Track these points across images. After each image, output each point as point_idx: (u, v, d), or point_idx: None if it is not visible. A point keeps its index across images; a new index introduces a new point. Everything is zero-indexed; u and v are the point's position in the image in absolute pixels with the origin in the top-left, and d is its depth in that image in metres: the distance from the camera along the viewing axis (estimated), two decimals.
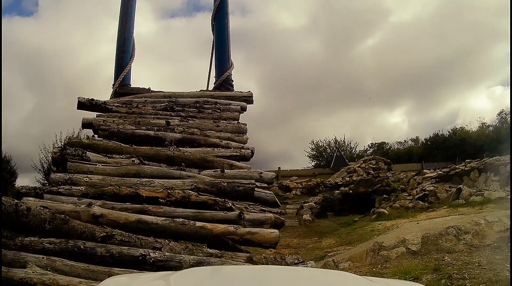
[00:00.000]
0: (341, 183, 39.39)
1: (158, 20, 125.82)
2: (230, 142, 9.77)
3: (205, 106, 10.71)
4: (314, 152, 67.00)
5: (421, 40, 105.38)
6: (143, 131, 9.40)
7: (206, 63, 12.46)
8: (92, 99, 10.33)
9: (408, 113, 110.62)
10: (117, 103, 10.52)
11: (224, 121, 10.28)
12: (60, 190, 7.69)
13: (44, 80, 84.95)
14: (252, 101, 11.40)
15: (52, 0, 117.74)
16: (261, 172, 9.08)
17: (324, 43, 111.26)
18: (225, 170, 8.72)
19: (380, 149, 69.00)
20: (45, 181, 33.06)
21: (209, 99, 10.99)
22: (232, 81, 11.85)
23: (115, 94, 11.18)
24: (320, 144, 66.84)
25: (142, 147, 8.95)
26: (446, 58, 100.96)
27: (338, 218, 30.45)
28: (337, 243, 21.49)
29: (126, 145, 8.92)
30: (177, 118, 10.12)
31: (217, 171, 8.69)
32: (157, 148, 9.02)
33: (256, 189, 8.46)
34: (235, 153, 9.44)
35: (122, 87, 11.26)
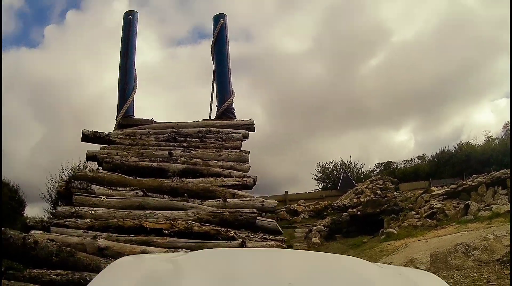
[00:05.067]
0: (348, 204, 39.23)
1: (164, 48, 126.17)
2: (233, 171, 9.89)
3: (207, 135, 10.84)
4: (320, 175, 66.63)
5: (423, 58, 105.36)
6: (146, 163, 9.54)
7: (208, 89, 12.59)
8: (96, 132, 10.49)
9: (414, 131, 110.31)
10: (121, 135, 10.67)
11: (226, 150, 10.40)
12: (66, 222, 7.84)
13: (52, 110, 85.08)
14: (254, 128, 11.51)
15: (58, 31, 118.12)
16: (263, 201, 9.20)
17: (328, 66, 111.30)
18: (228, 200, 8.84)
19: (386, 168, 68.57)
20: (53, 211, 33.48)
21: (211, 128, 11.12)
22: (234, 109, 11.98)
23: (119, 126, 11.33)
24: (327, 166, 66.66)
25: (145, 179, 9.09)
26: (449, 74, 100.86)
27: (347, 240, 30.39)
28: None
29: (130, 177, 9.06)
30: (180, 148, 10.25)
31: (219, 201, 8.82)
32: (161, 179, 9.16)
33: (258, 217, 8.57)
34: (237, 182, 9.55)
35: (125, 118, 11.41)
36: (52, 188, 34.38)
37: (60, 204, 8.68)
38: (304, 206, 42.70)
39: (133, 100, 11.68)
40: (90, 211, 8.10)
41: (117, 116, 11.47)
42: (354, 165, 66.50)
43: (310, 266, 3.37)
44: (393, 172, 61.65)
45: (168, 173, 9.38)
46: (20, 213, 30.94)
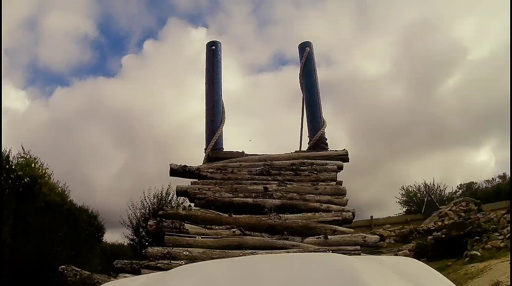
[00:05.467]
0: (433, 228, 38.96)
1: (246, 76, 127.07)
2: (331, 205, 9.41)
3: (301, 168, 10.39)
4: (404, 198, 66.52)
5: (499, 75, 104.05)
6: (241, 199, 9.15)
7: (295, 116, 12.23)
8: (185, 166, 10.17)
9: (494, 150, 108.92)
10: (211, 169, 10.30)
11: (323, 183, 9.91)
12: (158, 264, 7.48)
13: (133, 138, 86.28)
14: (348, 159, 11.00)
15: (136, 60, 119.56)
16: (365, 236, 8.71)
17: (408, 88, 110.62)
18: (328, 236, 8.38)
19: (469, 189, 67.82)
20: (134, 237, 36.88)
21: (305, 160, 10.69)
22: (326, 139, 11.57)
23: (208, 159, 11.00)
24: (410, 190, 66.50)
25: (242, 216, 8.64)
26: None
27: (431, 263, 29.81)
28: None
29: (225, 215, 8.63)
30: (275, 182, 9.83)
31: (320, 238, 8.34)
32: (258, 216, 8.70)
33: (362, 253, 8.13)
34: (336, 218, 9.02)
35: (214, 151, 11.09)
36: (133, 214, 36.35)
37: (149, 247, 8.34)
38: (389, 231, 42.89)
39: (221, 132, 11.37)
40: (184, 252, 7.70)
41: (205, 149, 11.18)
42: (437, 187, 66.15)
43: (293, 268, 3.41)
44: (475, 193, 60.86)
45: (264, 209, 8.96)
46: (99, 239, 32.08)
